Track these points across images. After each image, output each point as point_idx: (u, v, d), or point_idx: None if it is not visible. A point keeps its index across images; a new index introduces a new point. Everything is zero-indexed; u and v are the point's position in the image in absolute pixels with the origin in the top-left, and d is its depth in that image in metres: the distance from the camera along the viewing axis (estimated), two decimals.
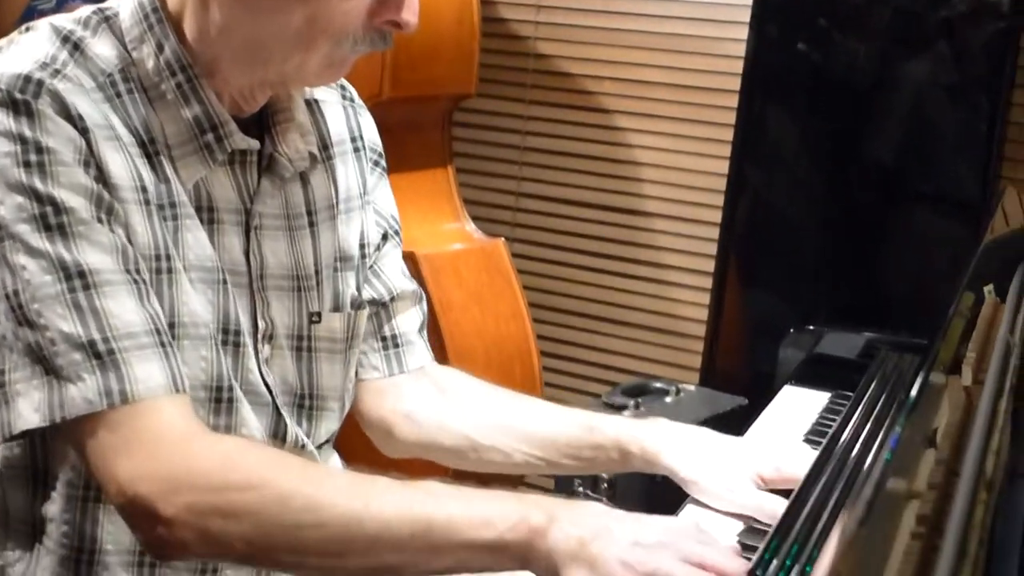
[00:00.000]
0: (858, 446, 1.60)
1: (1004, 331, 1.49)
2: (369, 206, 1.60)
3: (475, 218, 2.93)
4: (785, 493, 1.48)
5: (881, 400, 1.77)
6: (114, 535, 1.37)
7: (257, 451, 1.36)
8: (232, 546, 1.27)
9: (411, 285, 1.64)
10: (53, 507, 1.37)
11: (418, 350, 1.66)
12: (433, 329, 2.61)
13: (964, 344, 1.46)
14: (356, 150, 1.60)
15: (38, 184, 1.27)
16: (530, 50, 3.21)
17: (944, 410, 1.28)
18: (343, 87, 1.61)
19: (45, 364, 1.26)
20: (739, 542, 1.44)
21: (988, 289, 1.64)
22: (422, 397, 1.65)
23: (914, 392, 1.33)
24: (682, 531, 1.31)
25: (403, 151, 2.60)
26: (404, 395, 1.64)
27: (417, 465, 1.61)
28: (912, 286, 2.69)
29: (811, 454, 1.62)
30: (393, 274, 1.62)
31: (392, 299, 1.61)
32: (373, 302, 1.59)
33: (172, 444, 1.27)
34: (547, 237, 3.22)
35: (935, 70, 2.72)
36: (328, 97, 1.58)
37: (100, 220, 1.29)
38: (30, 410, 1.26)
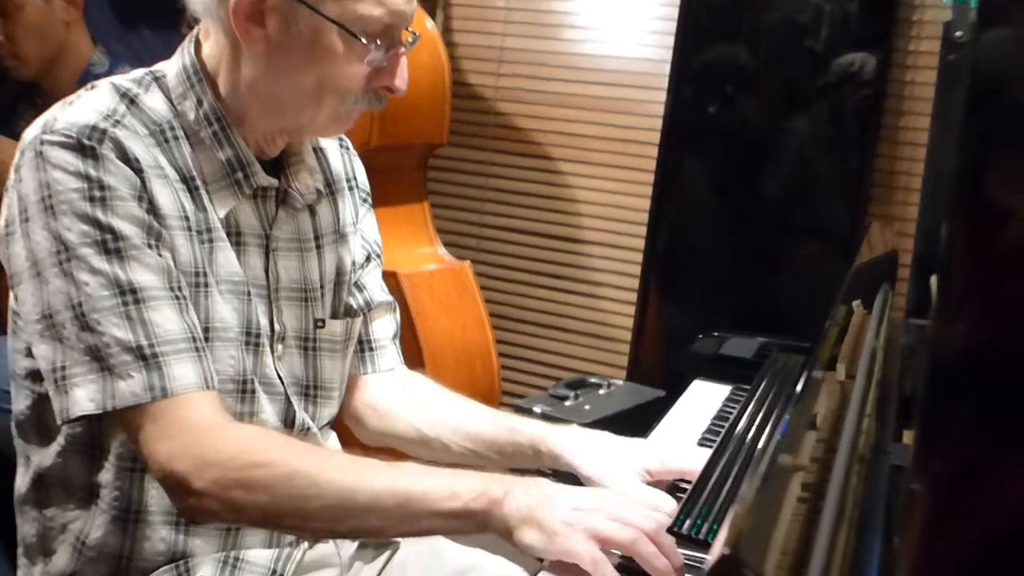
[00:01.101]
0: (754, 429, 1.61)
1: (871, 336, 1.51)
2: (358, 233, 1.60)
3: (446, 244, 2.93)
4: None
5: (772, 392, 1.78)
6: (156, 499, 1.36)
7: (271, 437, 1.36)
8: (250, 513, 1.27)
9: (387, 297, 1.63)
10: (107, 475, 1.37)
11: (389, 354, 1.64)
12: (411, 335, 2.62)
13: (839, 346, 1.48)
14: (351, 188, 1.60)
15: (100, 215, 1.26)
16: (491, 108, 3.22)
17: (823, 399, 1.30)
18: (340, 138, 1.61)
19: (101, 363, 1.25)
20: None
21: (857, 303, 1.66)
22: (387, 393, 1.63)
23: (800, 386, 1.34)
24: (611, 498, 1.32)
25: (388, 189, 2.60)
26: (373, 391, 1.63)
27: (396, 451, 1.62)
28: (797, 300, 2.70)
29: (693, 449, 1.63)
30: (373, 288, 1.62)
31: (371, 309, 1.61)
32: (356, 311, 1.59)
33: (202, 431, 1.26)
34: (505, 260, 3.23)
35: (815, 126, 2.75)
36: (329, 145, 1.58)
37: (150, 246, 1.29)
38: (86, 399, 1.26)
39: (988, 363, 0.66)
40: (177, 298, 1.29)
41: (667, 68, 2.88)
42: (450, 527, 1.30)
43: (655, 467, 1.52)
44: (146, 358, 1.25)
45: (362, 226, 1.61)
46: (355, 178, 1.61)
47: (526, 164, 3.19)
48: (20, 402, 1.41)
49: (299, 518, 1.28)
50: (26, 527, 1.44)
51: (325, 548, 1.49)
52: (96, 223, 1.26)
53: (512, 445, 1.58)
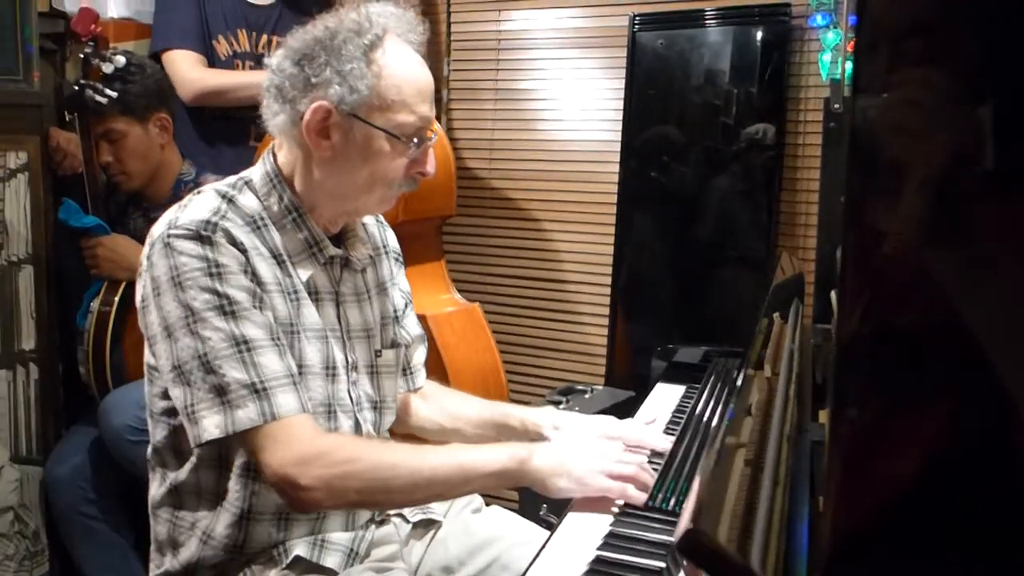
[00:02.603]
0: (706, 417, 1.61)
1: (788, 341, 1.51)
2: (395, 286, 1.62)
3: (459, 290, 2.93)
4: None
5: (718, 388, 1.77)
6: (265, 501, 1.38)
7: (354, 439, 1.41)
8: (348, 496, 1.31)
9: (420, 331, 1.69)
10: (231, 483, 1.39)
11: (421, 375, 1.71)
12: (438, 361, 2.61)
13: (764, 350, 1.48)
14: (386, 253, 1.63)
15: (218, 286, 1.29)
16: (487, 184, 3.23)
17: (756, 392, 1.30)
18: (376, 215, 1.64)
19: (222, 397, 1.27)
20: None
21: (776, 316, 1.66)
22: (415, 402, 1.70)
23: (738, 382, 1.34)
24: (609, 446, 1.44)
25: (413, 252, 2.61)
26: (407, 402, 1.69)
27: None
28: (730, 315, 2.70)
29: (637, 423, 1.66)
30: (411, 326, 1.66)
31: (411, 343, 1.65)
32: (401, 344, 1.63)
33: (303, 442, 1.29)
34: (505, 299, 3.22)
35: (733, 182, 2.75)
36: (369, 221, 1.61)
37: (255, 307, 1.31)
38: (212, 427, 1.28)
39: (876, 347, 0.66)
40: (278, 345, 1.31)
41: (618, 145, 2.89)
42: (493, 484, 1.36)
43: (607, 436, 1.58)
44: (258, 391, 1.27)
45: (397, 280, 1.64)
46: (388, 244, 1.64)
47: (516, 225, 3.19)
48: (158, 433, 1.43)
49: (384, 493, 1.32)
50: (159, 527, 1.45)
51: (388, 528, 1.50)
52: (215, 292, 1.28)
53: (507, 428, 1.66)
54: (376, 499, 1.35)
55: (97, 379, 2.39)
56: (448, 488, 1.35)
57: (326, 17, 1.39)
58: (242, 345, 1.27)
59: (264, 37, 2.82)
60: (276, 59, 1.40)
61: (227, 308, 1.28)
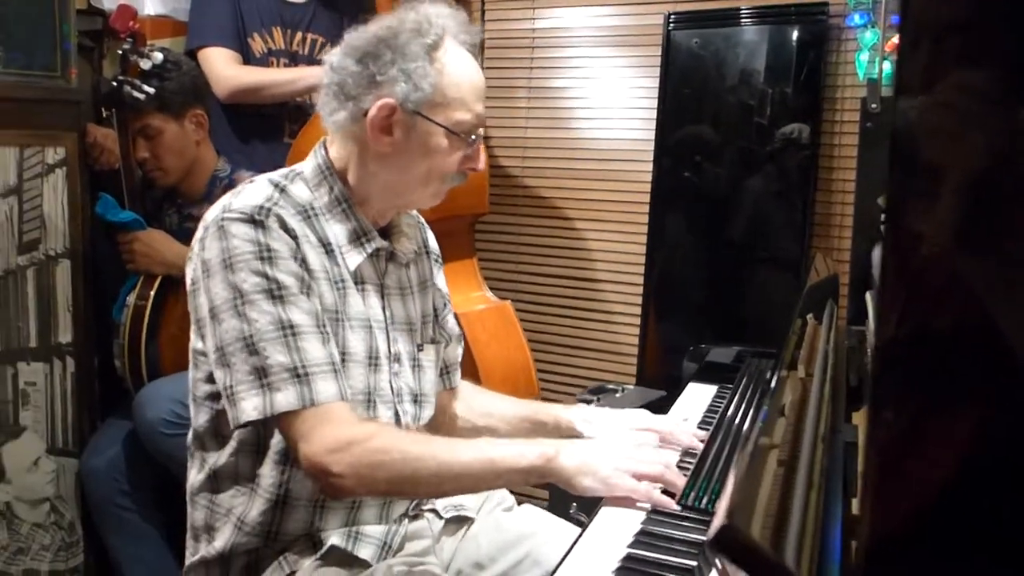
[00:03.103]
0: (738, 418, 1.61)
1: (822, 342, 1.50)
2: (435, 286, 1.64)
3: (492, 288, 2.95)
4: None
5: (750, 389, 1.77)
6: (301, 488, 1.40)
7: (389, 429, 1.43)
8: (377, 485, 1.33)
9: (457, 331, 1.69)
10: (267, 468, 1.41)
11: (456, 375, 1.73)
12: (470, 359, 2.62)
13: (798, 351, 1.48)
14: (426, 252, 1.64)
15: (268, 270, 1.31)
16: (519, 183, 3.24)
17: (789, 393, 1.29)
18: (417, 216, 1.66)
19: (263, 380, 1.29)
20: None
21: (810, 316, 1.65)
22: (448, 400, 1.71)
23: (772, 383, 1.34)
24: (633, 445, 1.45)
25: (445, 249, 2.62)
26: (440, 399, 1.69)
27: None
28: (763, 316, 2.69)
29: (666, 416, 1.68)
30: (449, 326, 1.67)
31: (448, 343, 1.66)
32: (439, 341, 1.64)
33: (339, 429, 1.31)
34: (537, 298, 3.23)
35: (767, 182, 2.74)
36: (411, 221, 1.63)
37: (303, 293, 1.34)
38: (251, 408, 1.30)
39: (915, 350, 0.66)
40: (322, 332, 1.34)
41: (651, 145, 2.89)
42: (520, 480, 1.38)
43: (637, 426, 1.63)
44: (299, 376, 1.29)
45: (437, 281, 1.65)
46: (428, 245, 1.66)
47: (549, 223, 3.20)
48: (200, 418, 1.45)
49: (412, 484, 1.34)
50: (196, 513, 1.47)
51: (421, 523, 1.52)
52: (265, 276, 1.31)
53: (540, 424, 1.68)
54: (404, 489, 1.38)
55: (132, 372, 2.42)
56: (476, 482, 1.37)
57: (384, 17, 1.42)
58: (287, 329, 1.30)
59: (299, 35, 2.85)
60: (336, 57, 1.42)
61: (276, 292, 1.30)
